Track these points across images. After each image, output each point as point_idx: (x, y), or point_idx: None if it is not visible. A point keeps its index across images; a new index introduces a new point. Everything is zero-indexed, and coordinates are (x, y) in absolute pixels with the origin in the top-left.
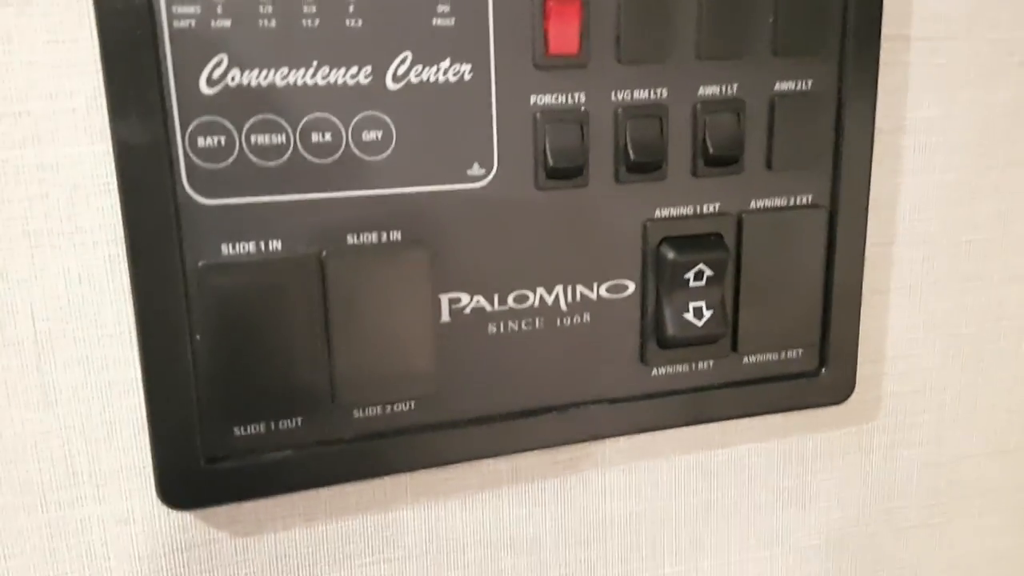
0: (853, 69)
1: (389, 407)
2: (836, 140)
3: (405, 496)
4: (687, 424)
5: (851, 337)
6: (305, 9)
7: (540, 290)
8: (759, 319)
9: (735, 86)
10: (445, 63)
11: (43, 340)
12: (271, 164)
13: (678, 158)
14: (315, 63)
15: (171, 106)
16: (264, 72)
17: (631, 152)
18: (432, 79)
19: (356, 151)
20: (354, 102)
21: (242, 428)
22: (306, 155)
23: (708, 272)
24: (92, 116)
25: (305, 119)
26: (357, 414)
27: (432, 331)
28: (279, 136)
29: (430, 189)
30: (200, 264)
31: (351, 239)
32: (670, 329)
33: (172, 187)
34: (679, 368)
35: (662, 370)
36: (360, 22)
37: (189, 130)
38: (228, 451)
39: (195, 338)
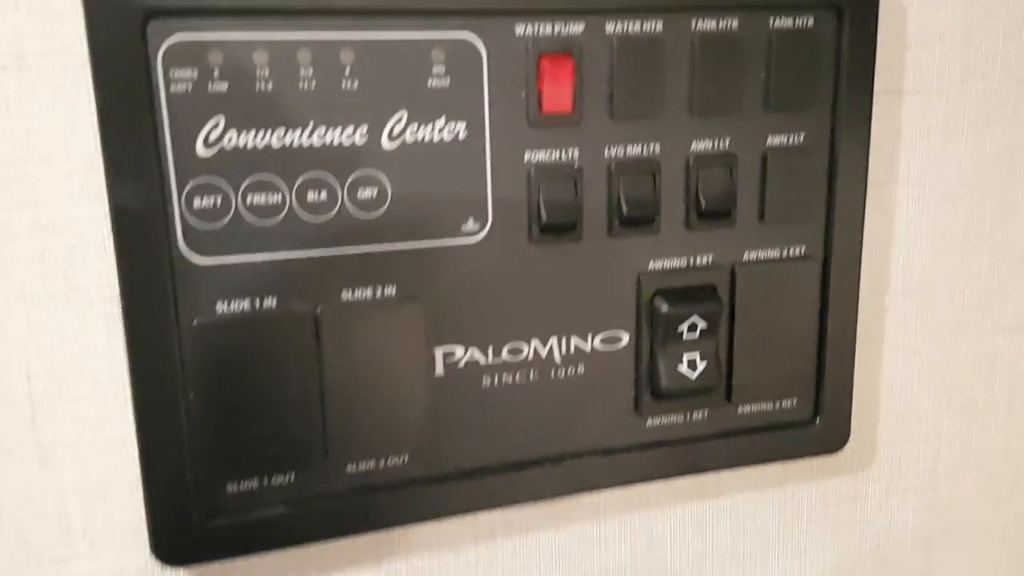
0: (846, 123)
1: (382, 461)
2: (829, 192)
3: (398, 550)
4: (682, 474)
5: (845, 386)
6: (302, 72)
7: (535, 342)
8: (754, 369)
9: (727, 140)
10: (440, 122)
11: (38, 398)
12: (266, 223)
13: (671, 211)
14: (312, 124)
15: (167, 168)
16: (261, 133)
17: (624, 207)
18: (427, 137)
19: (351, 209)
20: (350, 161)
21: (235, 484)
22: (302, 214)
23: (702, 324)
24: (90, 178)
25: (301, 178)
26: (350, 468)
27: (426, 385)
28: (275, 196)
29: (424, 245)
30: (195, 322)
31: (345, 295)
32: (664, 382)
33: (168, 247)
34: (674, 418)
35: (657, 420)
36: (356, 83)
37: (185, 191)
38: (221, 507)
39: (189, 395)
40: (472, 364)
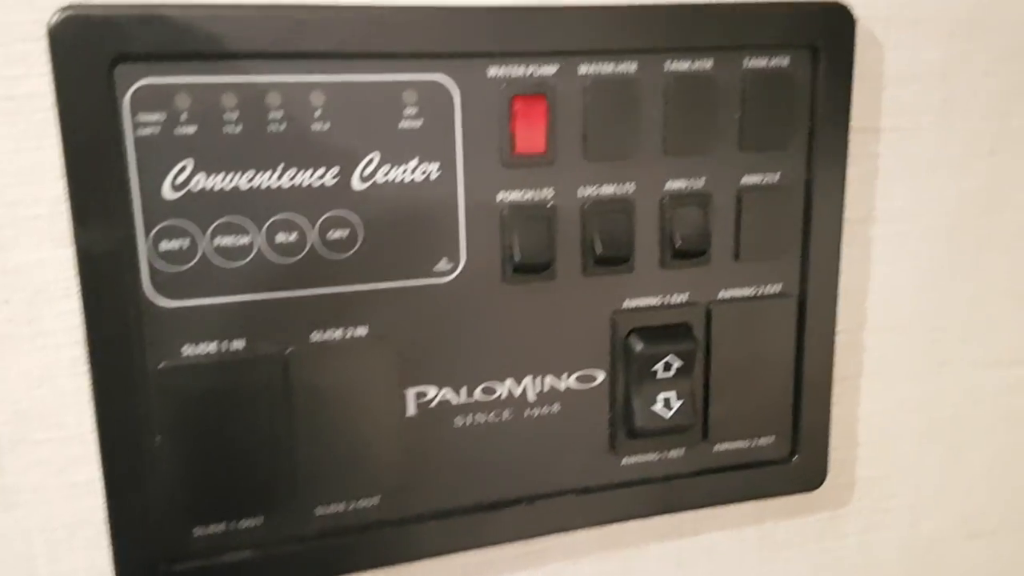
0: (821, 162)
1: (353, 503)
2: (805, 231)
3: None
4: (658, 514)
5: (822, 424)
6: (271, 114)
7: (508, 381)
8: (730, 407)
9: (702, 180)
10: (413, 163)
11: (3, 441)
12: (234, 265)
13: (646, 250)
14: (281, 166)
15: (134, 211)
16: (229, 176)
17: (598, 246)
18: (399, 178)
19: (322, 250)
20: (320, 202)
21: (202, 528)
22: (270, 255)
23: (677, 363)
24: (56, 222)
25: (270, 220)
26: (320, 511)
27: (398, 425)
28: (243, 237)
29: (396, 285)
30: (160, 365)
31: (315, 336)
32: (639, 421)
33: (134, 290)
34: (649, 457)
35: (632, 459)
36: (327, 125)
37: (152, 234)
38: (188, 551)
39: (155, 438)
40: (445, 404)
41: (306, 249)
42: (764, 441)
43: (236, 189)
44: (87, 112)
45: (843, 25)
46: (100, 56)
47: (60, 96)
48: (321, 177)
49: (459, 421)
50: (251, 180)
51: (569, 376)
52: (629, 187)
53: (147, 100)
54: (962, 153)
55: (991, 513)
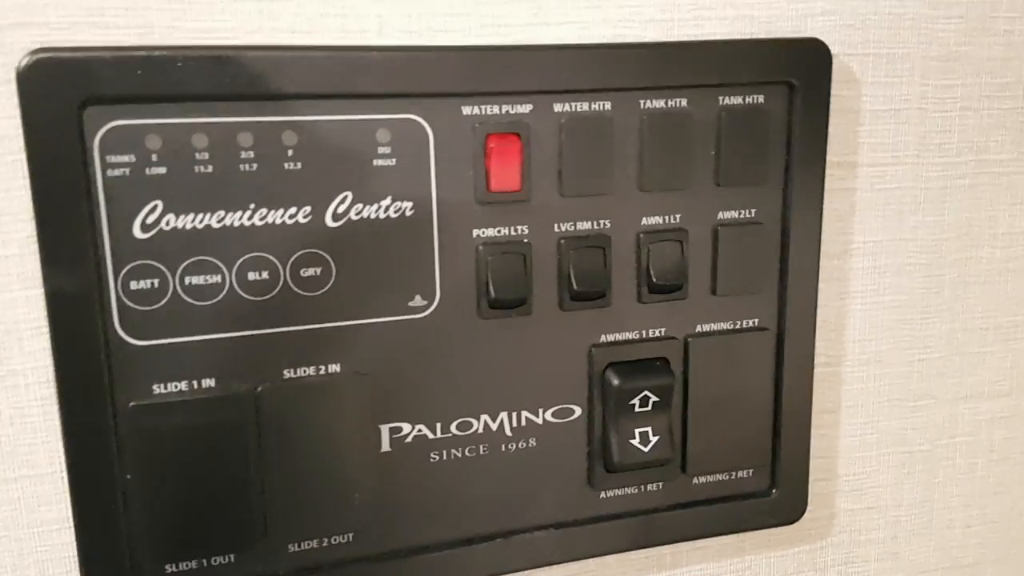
0: (798, 197)
1: (327, 540)
2: (782, 265)
3: None
4: (637, 548)
5: (802, 457)
6: (243, 155)
7: (484, 417)
8: (708, 440)
9: (678, 216)
10: (386, 201)
11: None
12: (205, 304)
13: (622, 285)
14: (252, 206)
15: (104, 252)
16: (200, 216)
17: (574, 282)
18: (373, 216)
19: (294, 287)
20: (292, 241)
21: (174, 565)
22: (242, 293)
23: (654, 398)
24: (26, 262)
25: (241, 259)
26: (292, 548)
27: (371, 461)
28: (214, 276)
29: (370, 321)
30: (131, 405)
31: (288, 373)
32: (616, 455)
33: (103, 330)
34: (628, 491)
35: (610, 493)
36: (299, 165)
37: (122, 274)
38: None
39: (126, 477)
40: (420, 439)
41: (278, 287)
42: (743, 474)
43: (207, 228)
44: (56, 154)
45: (819, 61)
46: (69, 99)
47: (29, 139)
48: (293, 216)
49: (435, 456)
50: (222, 220)
51: (546, 411)
52: (605, 223)
53: (117, 142)
54: (940, 187)
55: (971, 546)
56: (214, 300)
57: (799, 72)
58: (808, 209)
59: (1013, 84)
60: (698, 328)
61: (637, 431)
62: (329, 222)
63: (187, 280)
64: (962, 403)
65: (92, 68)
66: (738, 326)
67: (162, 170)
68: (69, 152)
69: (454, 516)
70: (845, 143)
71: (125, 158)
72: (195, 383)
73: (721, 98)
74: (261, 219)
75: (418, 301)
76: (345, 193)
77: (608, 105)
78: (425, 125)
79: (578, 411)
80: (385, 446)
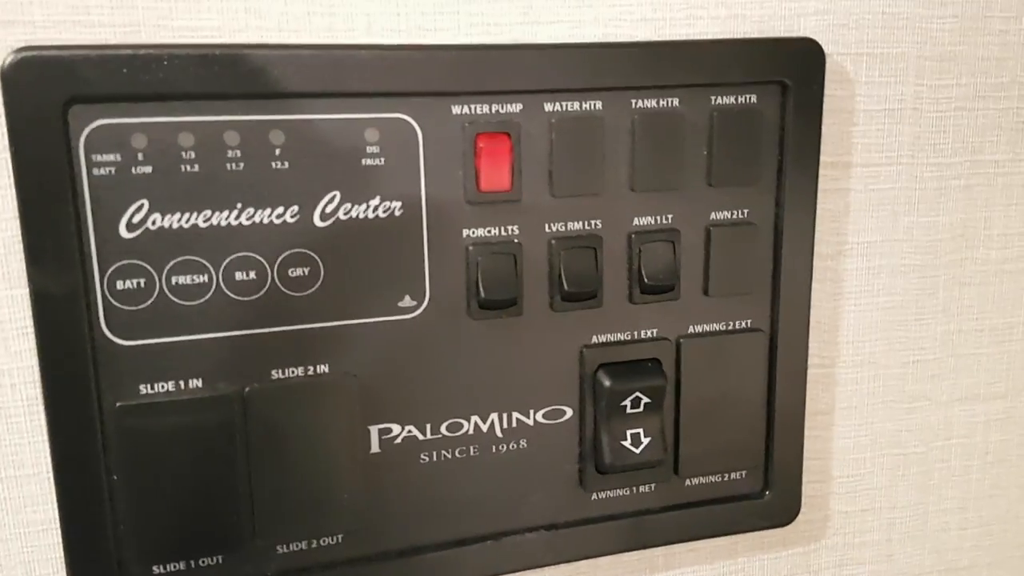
0: (791, 197)
1: (315, 541)
2: (774, 266)
3: None
4: (629, 549)
5: (795, 458)
6: (230, 154)
7: (475, 418)
8: (701, 442)
9: (670, 216)
10: (375, 201)
11: None
12: (192, 304)
13: (614, 286)
14: (239, 205)
15: (90, 251)
16: (186, 215)
17: (565, 282)
18: (361, 216)
19: (282, 287)
20: (280, 240)
21: (161, 566)
22: (229, 293)
23: (645, 399)
24: (10, 261)
25: (228, 259)
26: (281, 549)
27: (361, 462)
28: (201, 276)
29: (359, 322)
30: (117, 405)
31: (276, 374)
32: (607, 457)
33: (89, 330)
34: (619, 492)
35: (602, 495)
36: (287, 164)
37: (108, 274)
38: None
39: (113, 477)
40: (409, 440)
41: (265, 287)
42: (736, 476)
43: (194, 228)
44: (41, 153)
45: (812, 61)
46: (54, 98)
47: (13, 138)
48: (280, 216)
49: (425, 457)
50: (208, 219)
51: (537, 412)
52: (596, 223)
53: (103, 141)
54: (934, 188)
55: (966, 549)
56: (201, 300)
57: (792, 72)
58: (801, 209)
59: (1008, 84)
60: (690, 329)
61: (629, 432)
62: (317, 222)
63: (174, 280)
64: (957, 405)
65: (77, 67)
66: (731, 327)
67: (148, 169)
68: (54, 151)
69: (444, 517)
70: (839, 143)
71: (111, 157)
72: (182, 383)
73: (713, 98)
74: (248, 219)
75: (407, 301)
76: (333, 193)
77: (599, 105)
78: (414, 124)
79: (569, 412)
80: (375, 447)
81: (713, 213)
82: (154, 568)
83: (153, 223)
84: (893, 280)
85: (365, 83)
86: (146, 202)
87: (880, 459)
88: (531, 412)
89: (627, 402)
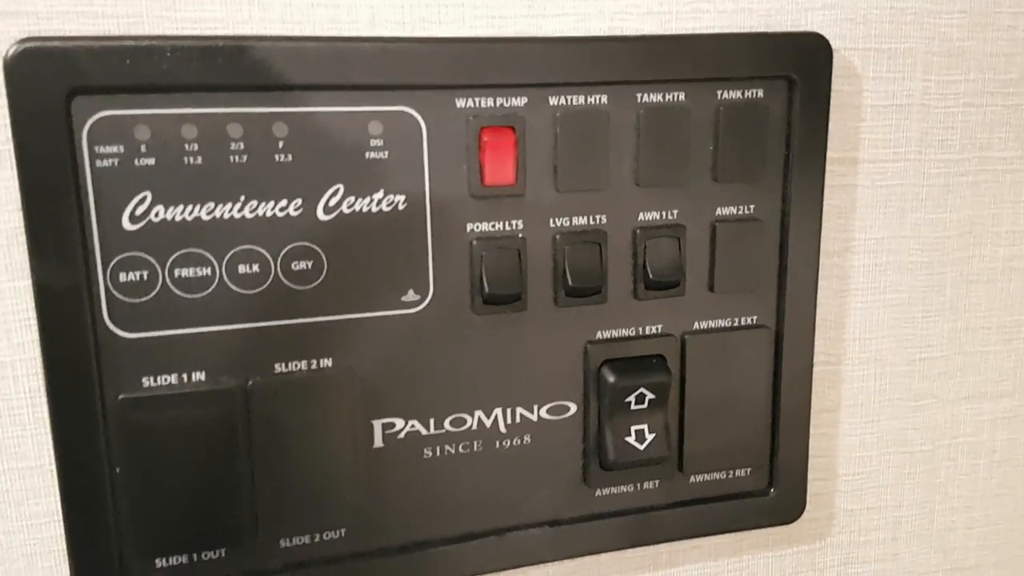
0: (797, 193)
1: (318, 536)
2: (781, 262)
3: None
4: (632, 546)
5: (800, 456)
6: (233, 146)
7: (478, 413)
8: (705, 439)
9: (675, 212)
10: (378, 194)
11: None
12: (195, 296)
13: (619, 281)
14: (243, 198)
15: (92, 243)
16: (189, 208)
17: (570, 277)
18: (365, 209)
19: (285, 281)
20: (283, 234)
21: (164, 560)
22: (232, 286)
23: (650, 396)
24: (13, 253)
25: (231, 252)
26: (284, 543)
27: (364, 457)
28: (204, 269)
29: (362, 316)
30: (120, 397)
31: (279, 368)
32: (612, 453)
33: (92, 323)
34: (623, 489)
35: (606, 491)
36: (290, 157)
37: (111, 266)
38: None
39: (115, 470)
40: (413, 435)
41: (269, 280)
42: (741, 473)
43: (196, 221)
44: (44, 145)
45: (820, 56)
46: (57, 89)
47: (16, 129)
48: (284, 209)
49: (427, 452)
50: (211, 212)
51: (541, 407)
52: (601, 219)
53: (106, 132)
54: (942, 184)
55: (972, 548)
56: (204, 293)
57: (799, 67)
58: (808, 205)
59: (1017, 80)
60: (695, 325)
61: (633, 429)
62: (321, 215)
63: (177, 272)
64: (964, 403)
65: (80, 58)
66: (736, 323)
67: (151, 161)
68: (57, 143)
69: (447, 513)
70: (846, 139)
71: (114, 149)
72: (185, 376)
73: (720, 92)
74: (251, 211)
75: (411, 296)
76: (337, 186)
77: (604, 99)
78: (418, 117)
79: (573, 408)
80: (378, 442)
81: (719, 209)
82: (156, 561)
83: (156, 215)
84: (900, 277)
85: (369, 76)
86: (149, 194)
87: (886, 457)
88: (535, 408)
89: (631, 398)
